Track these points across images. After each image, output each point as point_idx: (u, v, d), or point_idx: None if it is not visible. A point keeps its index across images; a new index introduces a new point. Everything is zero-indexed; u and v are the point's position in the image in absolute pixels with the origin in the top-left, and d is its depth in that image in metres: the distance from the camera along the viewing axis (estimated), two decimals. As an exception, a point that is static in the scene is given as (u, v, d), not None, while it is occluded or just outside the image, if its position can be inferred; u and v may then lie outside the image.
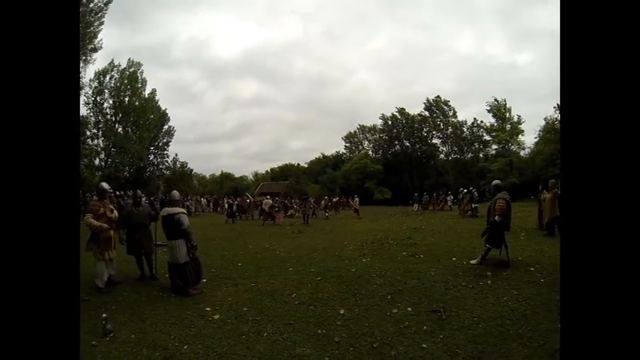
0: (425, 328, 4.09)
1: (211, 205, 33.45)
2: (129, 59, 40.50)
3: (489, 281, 5.68)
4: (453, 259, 7.40)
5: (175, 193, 6.29)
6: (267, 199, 20.85)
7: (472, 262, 6.91)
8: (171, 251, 5.65)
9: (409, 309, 4.67)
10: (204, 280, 6.16)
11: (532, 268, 6.27)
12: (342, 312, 4.68)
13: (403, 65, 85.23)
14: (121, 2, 57.19)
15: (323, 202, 27.31)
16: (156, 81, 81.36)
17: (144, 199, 7.44)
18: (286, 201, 28.16)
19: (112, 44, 65.31)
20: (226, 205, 31.81)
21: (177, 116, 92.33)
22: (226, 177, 71.66)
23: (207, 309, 4.87)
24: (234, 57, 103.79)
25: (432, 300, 4.97)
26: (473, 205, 18.89)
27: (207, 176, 74.79)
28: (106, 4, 31.29)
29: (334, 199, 31.91)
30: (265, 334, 4.07)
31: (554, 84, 53.34)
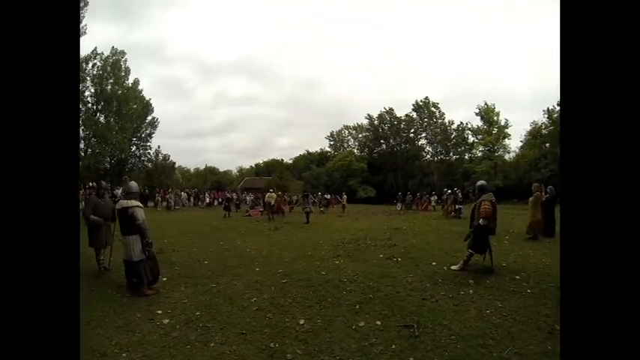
0: (393, 347, 3.48)
1: (192, 199, 33.09)
2: (112, 47, 39.08)
3: (471, 290, 5.09)
4: (433, 263, 6.83)
5: (133, 184, 5.81)
6: (271, 192, 19.95)
7: (453, 267, 6.32)
8: (126, 248, 5.27)
9: (378, 322, 4.06)
10: (165, 279, 5.78)
11: (517, 277, 5.72)
12: (301, 322, 4.13)
13: (390, 71, 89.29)
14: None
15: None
16: (148, 76, 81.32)
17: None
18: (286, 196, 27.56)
19: (108, 39, 63.11)
20: (207, 200, 31.79)
21: (168, 111, 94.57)
22: (210, 171, 71.72)
23: (158, 312, 4.46)
24: (226, 56, 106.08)
25: (406, 312, 4.35)
26: (457, 206, 18.84)
27: (192, 170, 74.48)
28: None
29: (327, 196, 31.65)
30: (212, 345, 3.62)
31: (533, 94, 59.27)
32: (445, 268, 6.42)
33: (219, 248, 9.18)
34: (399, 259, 7.28)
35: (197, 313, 4.41)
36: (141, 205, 5.51)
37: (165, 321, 4.16)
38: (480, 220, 6.02)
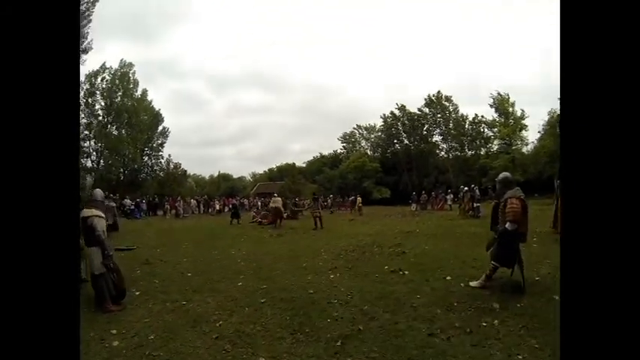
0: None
1: (201, 206, 32.58)
2: (121, 60, 40.34)
3: (496, 321, 3.78)
4: (447, 277, 5.56)
5: (97, 191, 5.54)
6: (276, 196, 18.92)
7: (472, 284, 5.03)
8: (89, 260, 5.05)
9: (363, 373, 2.91)
10: (137, 293, 5.52)
11: (557, 297, 4.30)
12: (261, 362, 3.19)
13: (400, 71, 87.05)
14: (134, 18, 65.98)
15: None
16: (164, 91, 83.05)
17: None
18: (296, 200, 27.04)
19: (125, 57, 64.42)
20: (217, 207, 31.21)
21: (183, 122, 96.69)
22: (224, 178, 72.15)
23: (113, 332, 4.07)
24: (237, 66, 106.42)
25: (403, 355, 3.15)
26: (474, 205, 17.70)
27: (207, 177, 75.22)
28: (92, 3, 30.13)
29: (351, 198, 30.88)
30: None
31: (546, 88, 55.30)
32: (462, 284, 5.15)
33: (211, 258, 8.58)
34: (406, 272, 6.09)
35: (151, 337, 3.90)
36: (102, 214, 5.26)
37: (115, 343, 3.78)
38: (507, 224, 4.67)
